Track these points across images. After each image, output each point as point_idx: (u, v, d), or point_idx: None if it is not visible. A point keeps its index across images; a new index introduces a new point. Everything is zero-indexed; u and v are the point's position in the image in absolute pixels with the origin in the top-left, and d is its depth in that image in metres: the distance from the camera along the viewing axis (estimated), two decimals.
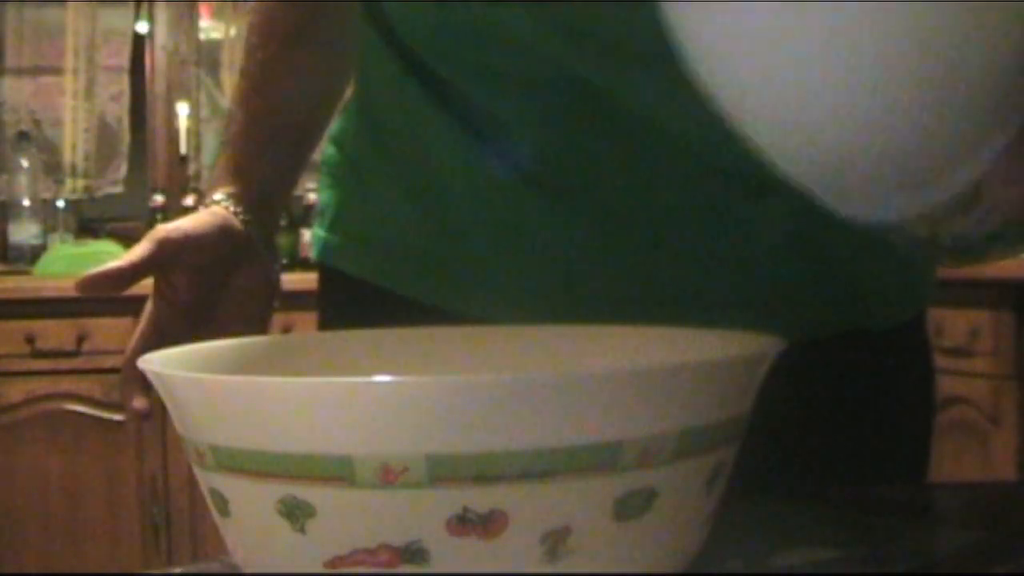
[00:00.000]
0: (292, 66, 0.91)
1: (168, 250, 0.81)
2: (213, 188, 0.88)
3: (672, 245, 0.81)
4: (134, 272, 0.80)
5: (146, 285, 0.82)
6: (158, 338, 0.81)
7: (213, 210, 0.86)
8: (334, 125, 0.94)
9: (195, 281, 0.83)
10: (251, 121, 0.90)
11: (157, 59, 3.49)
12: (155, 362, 0.56)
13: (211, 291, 0.84)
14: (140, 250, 0.81)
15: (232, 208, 0.86)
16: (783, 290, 0.83)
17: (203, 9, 3.56)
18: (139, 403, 0.79)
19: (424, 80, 0.82)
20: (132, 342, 0.82)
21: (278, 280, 0.89)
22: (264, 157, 0.90)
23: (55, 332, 2.90)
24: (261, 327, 0.87)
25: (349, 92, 0.94)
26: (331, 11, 0.92)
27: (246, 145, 0.90)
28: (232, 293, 0.85)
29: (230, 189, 0.87)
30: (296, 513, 0.48)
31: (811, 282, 0.83)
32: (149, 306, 0.84)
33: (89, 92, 3.46)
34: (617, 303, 0.78)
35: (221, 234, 0.84)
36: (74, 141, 3.45)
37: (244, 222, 0.86)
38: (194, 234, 0.83)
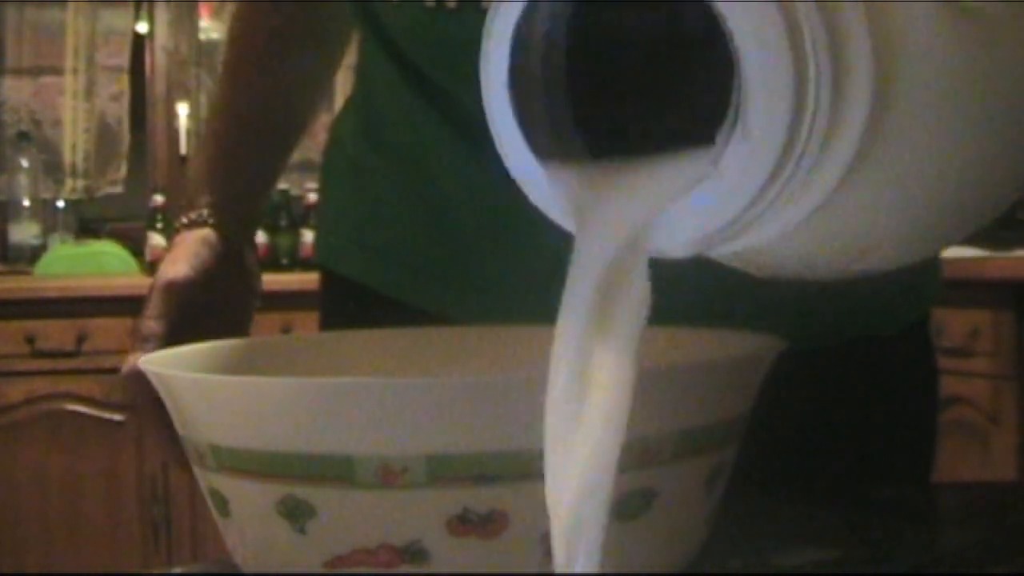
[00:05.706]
0: (277, 64, 0.89)
1: (184, 307, 0.78)
2: (194, 199, 0.85)
3: None
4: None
5: (145, 285, 0.81)
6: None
7: (198, 236, 0.82)
8: (336, 126, 0.94)
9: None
10: (234, 121, 0.89)
11: (157, 59, 3.49)
12: (155, 362, 0.56)
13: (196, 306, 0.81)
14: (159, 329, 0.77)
15: (214, 221, 0.83)
16: (787, 299, 0.82)
17: (203, 9, 3.56)
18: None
19: (421, 86, 0.82)
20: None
21: (260, 285, 0.86)
22: (247, 157, 0.88)
23: (55, 332, 2.89)
24: (243, 331, 0.85)
25: (350, 91, 0.93)
26: (318, 9, 0.91)
27: (228, 145, 0.88)
28: (215, 301, 0.82)
29: (211, 199, 0.84)
30: (296, 513, 0.48)
31: (815, 291, 0.83)
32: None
33: (89, 92, 3.46)
34: None
35: (214, 259, 0.81)
36: (74, 141, 3.45)
37: (231, 232, 0.83)
38: (199, 280, 0.80)
